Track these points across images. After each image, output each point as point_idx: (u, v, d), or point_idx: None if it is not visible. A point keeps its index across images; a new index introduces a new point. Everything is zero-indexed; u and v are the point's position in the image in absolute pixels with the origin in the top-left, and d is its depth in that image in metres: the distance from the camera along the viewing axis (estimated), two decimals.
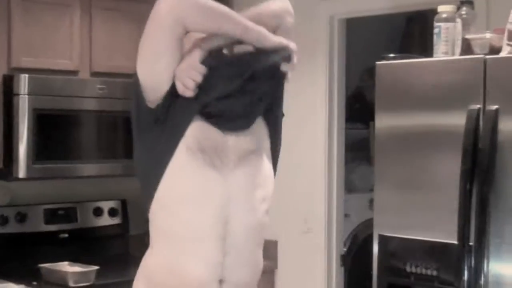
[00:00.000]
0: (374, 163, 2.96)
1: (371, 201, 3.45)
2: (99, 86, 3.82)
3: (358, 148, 4.81)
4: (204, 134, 1.98)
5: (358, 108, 4.90)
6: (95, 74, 3.90)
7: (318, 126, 4.03)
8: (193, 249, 1.98)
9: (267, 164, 2.08)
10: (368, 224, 3.73)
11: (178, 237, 1.99)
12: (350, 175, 4.54)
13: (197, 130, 1.97)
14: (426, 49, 2.92)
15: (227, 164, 1.99)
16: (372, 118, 2.98)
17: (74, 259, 3.72)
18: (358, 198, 4.59)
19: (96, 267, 3.60)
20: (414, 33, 5.13)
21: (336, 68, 4.05)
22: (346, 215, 4.23)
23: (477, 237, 2.52)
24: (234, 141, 2.00)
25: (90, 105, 3.83)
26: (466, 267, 2.54)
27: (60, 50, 3.80)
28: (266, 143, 2.09)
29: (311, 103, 4.03)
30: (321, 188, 4.00)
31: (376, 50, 4.60)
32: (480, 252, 2.52)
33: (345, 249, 4.26)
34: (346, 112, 4.17)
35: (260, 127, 2.07)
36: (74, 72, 3.86)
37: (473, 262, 2.53)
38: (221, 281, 1.99)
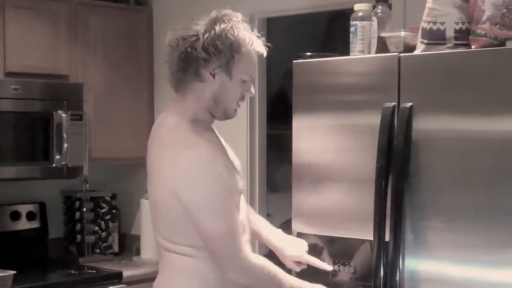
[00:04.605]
0: None
1: None
2: (13, 86, 3.74)
3: (282, 148, 4.82)
4: None
5: (281, 108, 4.91)
6: (9, 74, 3.80)
7: (239, 127, 4.01)
8: None
9: None
10: (290, 224, 3.73)
11: None
12: (273, 175, 4.54)
13: None
14: (348, 48, 2.92)
15: None
16: None
17: None
18: (281, 197, 4.59)
19: (13, 272, 3.51)
20: (336, 32, 5.16)
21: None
22: (268, 215, 4.22)
23: (392, 233, 2.53)
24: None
25: (4, 106, 3.73)
26: (382, 264, 2.55)
27: None
28: None
29: None
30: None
31: (299, 50, 4.62)
32: (396, 248, 2.53)
33: (268, 249, 4.24)
34: (269, 113, 4.17)
35: None
36: None
37: (389, 258, 2.54)
38: None
